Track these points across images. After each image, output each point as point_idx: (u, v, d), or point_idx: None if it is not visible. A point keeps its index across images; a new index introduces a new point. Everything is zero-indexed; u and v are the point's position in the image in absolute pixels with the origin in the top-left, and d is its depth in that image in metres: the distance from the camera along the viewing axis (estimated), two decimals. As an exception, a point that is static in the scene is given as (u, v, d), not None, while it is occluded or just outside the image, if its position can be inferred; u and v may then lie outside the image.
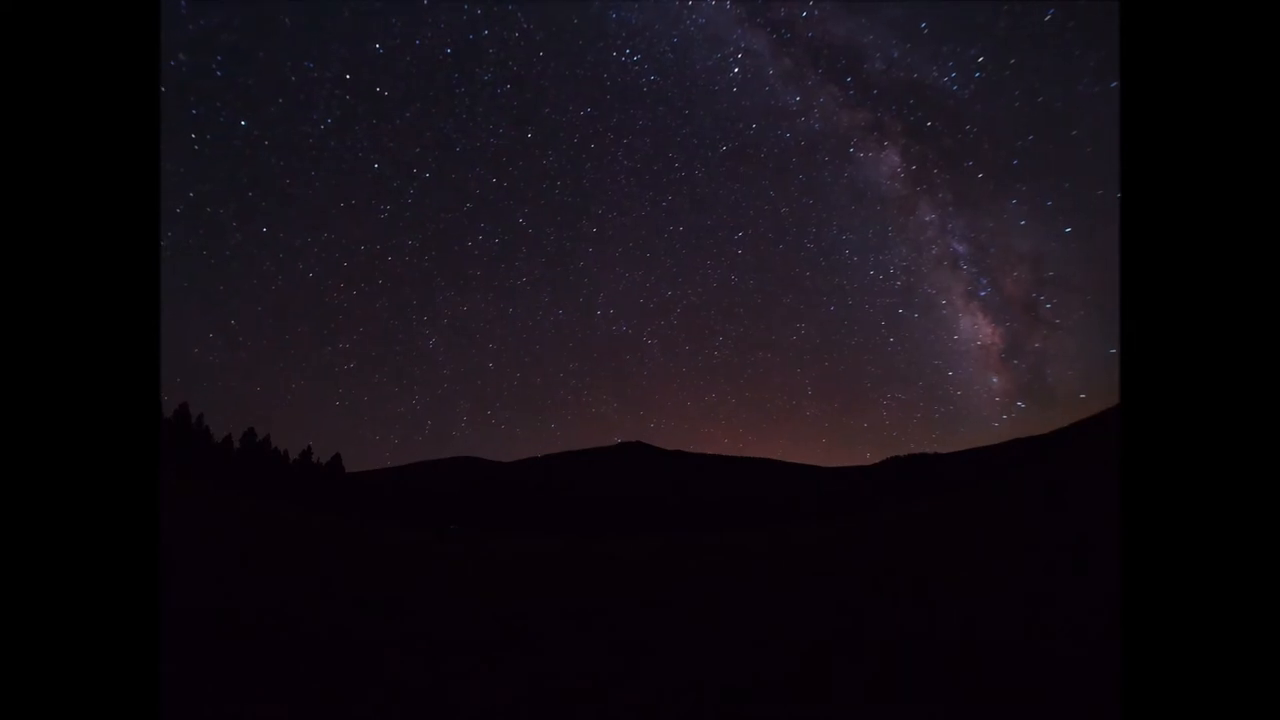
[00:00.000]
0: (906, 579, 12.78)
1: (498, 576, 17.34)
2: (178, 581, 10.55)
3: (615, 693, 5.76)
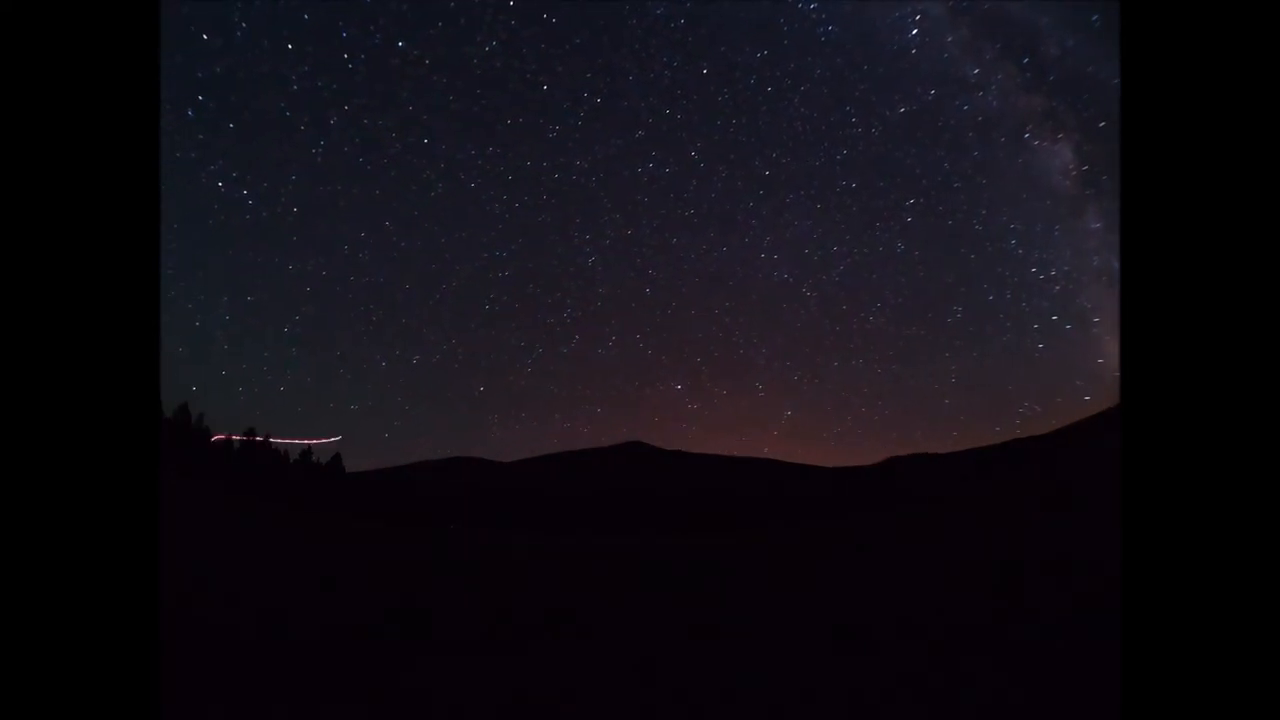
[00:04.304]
0: (906, 579, 12.78)
1: (497, 577, 17.32)
2: (177, 581, 10.54)
3: (612, 694, 5.76)
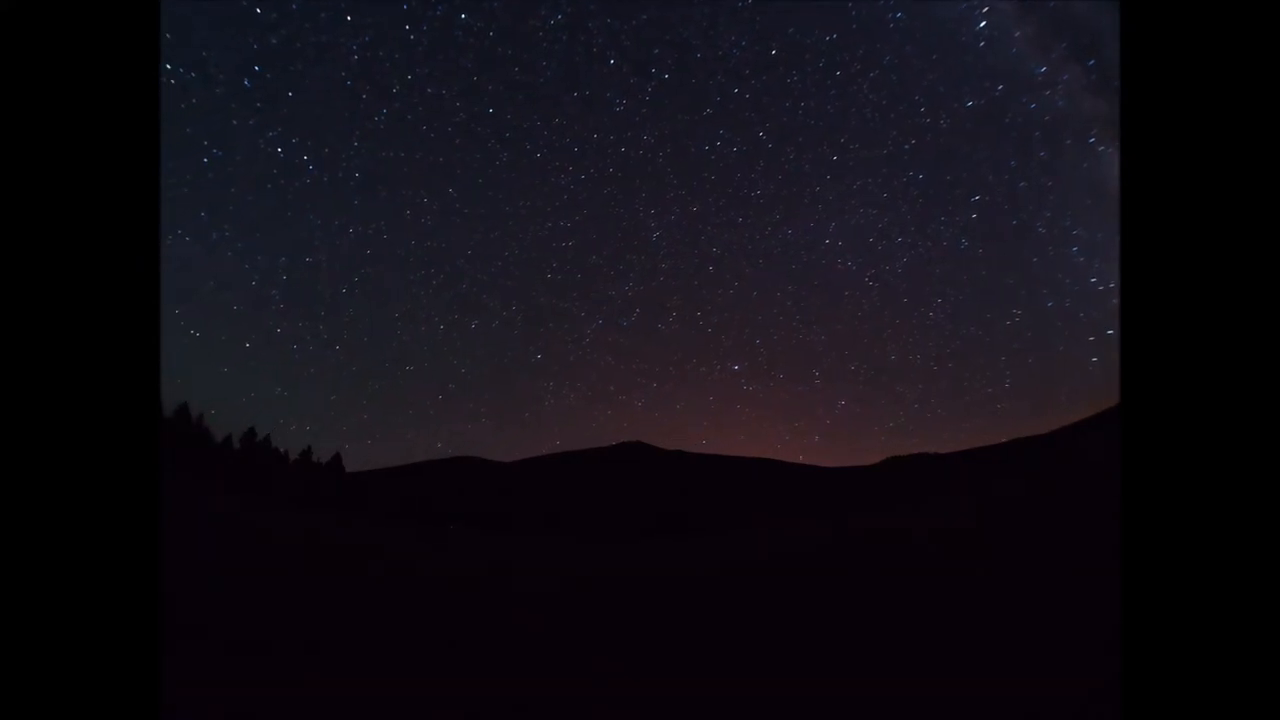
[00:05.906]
0: (906, 579, 12.77)
1: (497, 577, 17.33)
2: (177, 581, 10.55)
3: (611, 696, 5.76)
